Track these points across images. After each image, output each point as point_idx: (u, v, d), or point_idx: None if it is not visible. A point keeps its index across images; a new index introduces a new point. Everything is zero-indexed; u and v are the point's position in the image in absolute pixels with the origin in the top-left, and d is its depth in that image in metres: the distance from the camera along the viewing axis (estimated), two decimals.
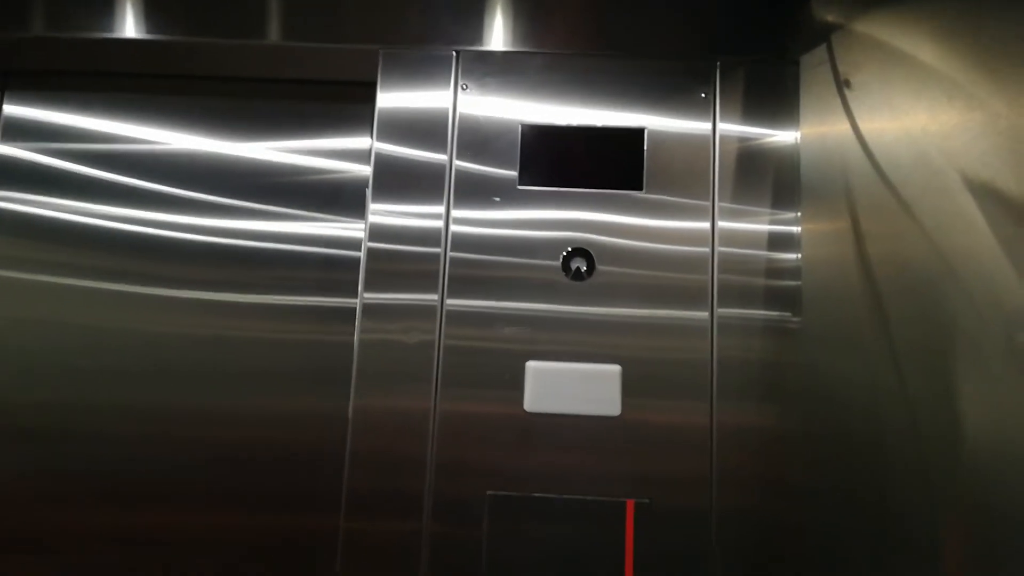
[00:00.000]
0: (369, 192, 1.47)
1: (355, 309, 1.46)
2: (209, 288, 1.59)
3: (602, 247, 1.44)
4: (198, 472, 1.53)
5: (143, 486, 1.53)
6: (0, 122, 1.64)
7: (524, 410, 1.38)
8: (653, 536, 1.35)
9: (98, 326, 1.58)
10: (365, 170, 1.58)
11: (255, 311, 1.58)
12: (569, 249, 1.43)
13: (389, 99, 1.49)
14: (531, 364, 1.39)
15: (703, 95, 1.47)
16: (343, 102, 1.63)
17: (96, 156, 1.64)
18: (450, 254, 1.44)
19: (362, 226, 1.52)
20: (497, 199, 1.45)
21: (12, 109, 1.65)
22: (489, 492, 1.37)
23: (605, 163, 1.47)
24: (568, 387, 1.39)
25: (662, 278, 1.42)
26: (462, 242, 1.44)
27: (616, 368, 1.39)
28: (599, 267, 1.43)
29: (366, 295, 1.43)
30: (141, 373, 1.56)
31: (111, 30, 1.52)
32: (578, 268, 1.42)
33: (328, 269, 1.59)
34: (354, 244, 1.59)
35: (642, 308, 1.42)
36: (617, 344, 1.40)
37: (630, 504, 1.35)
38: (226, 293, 1.58)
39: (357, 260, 1.51)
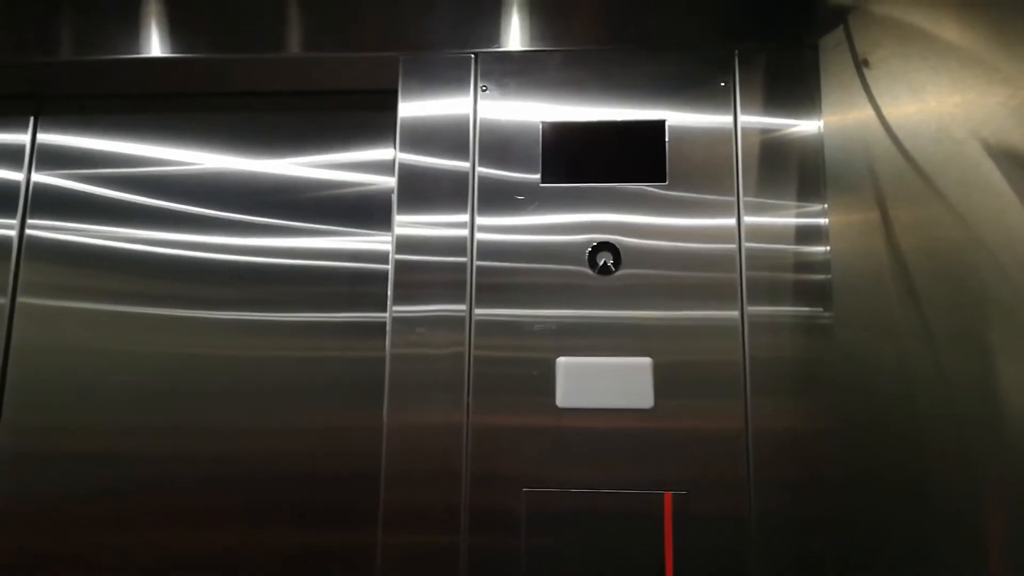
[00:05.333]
0: (395, 203, 1.48)
1: (384, 323, 1.47)
2: (240, 308, 1.60)
3: (627, 240, 1.44)
4: (233, 490, 1.55)
5: (178, 504, 1.55)
6: (35, 150, 1.68)
7: (557, 407, 1.39)
8: (691, 532, 1.34)
9: (131, 350, 1.60)
10: (390, 181, 1.60)
11: (286, 329, 1.59)
12: (595, 243, 1.44)
13: (411, 107, 1.51)
14: (562, 360, 1.40)
15: (722, 84, 1.47)
16: (366, 112, 1.65)
17: (127, 180, 1.67)
18: (476, 263, 1.45)
19: (389, 238, 1.53)
20: (521, 197, 1.46)
21: (46, 137, 1.69)
22: (525, 489, 1.37)
23: (627, 157, 1.47)
24: (600, 381, 1.39)
25: (689, 272, 1.42)
26: (488, 250, 1.45)
27: (647, 360, 1.39)
28: (625, 262, 1.43)
29: (395, 308, 1.44)
30: (173, 394, 1.58)
31: (136, 50, 1.56)
32: (605, 263, 1.43)
33: (357, 284, 1.60)
34: (382, 257, 1.59)
35: (671, 306, 1.41)
36: (647, 346, 1.40)
37: (668, 497, 1.35)
38: (258, 312, 1.60)
39: (385, 273, 1.52)
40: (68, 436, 1.58)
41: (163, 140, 1.68)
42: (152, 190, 1.66)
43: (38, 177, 1.68)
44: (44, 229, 1.66)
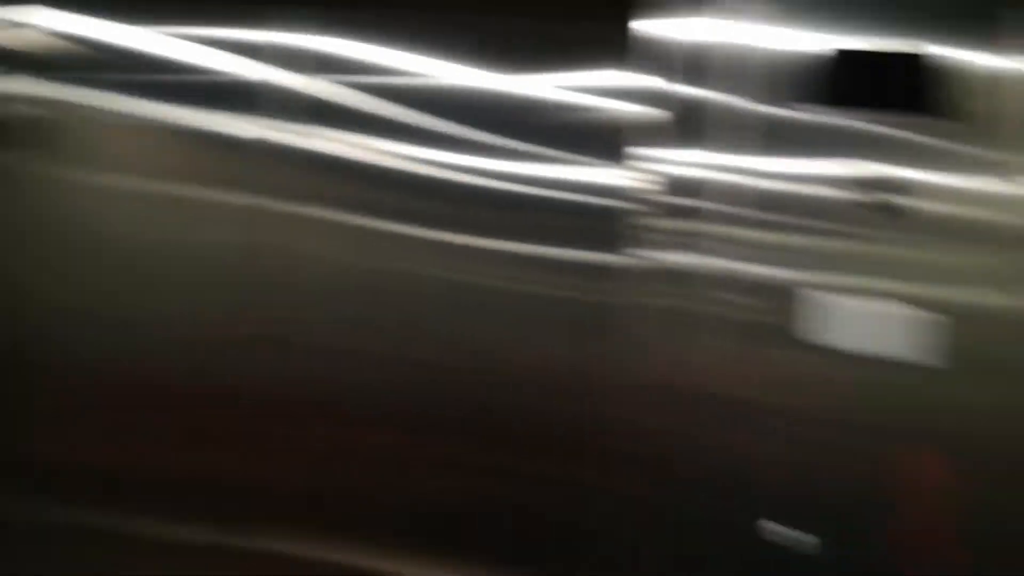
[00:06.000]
0: (640, 137, 1.42)
1: (618, 267, 1.45)
2: (466, 230, 1.59)
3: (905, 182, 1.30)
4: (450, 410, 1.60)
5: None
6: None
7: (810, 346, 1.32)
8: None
9: (353, 263, 1.65)
10: (635, 110, 1.49)
11: (512, 259, 1.57)
12: (867, 180, 1.31)
13: (656, 25, 1.42)
14: (814, 295, 1.32)
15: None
16: (608, 28, 1.50)
17: (371, 88, 1.65)
18: (723, 208, 1.37)
19: (629, 174, 1.47)
20: (779, 127, 1.36)
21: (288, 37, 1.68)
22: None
23: (895, 89, 1.32)
24: (857, 324, 1.31)
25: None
26: (736, 194, 1.37)
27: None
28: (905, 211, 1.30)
29: (633, 252, 1.41)
30: (387, 312, 1.63)
31: None
32: (883, 203, 1.31)
33: (589, 219, 1.53)
34: (620, 194, 1.50)
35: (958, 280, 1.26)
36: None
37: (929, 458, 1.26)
38: (485, 238, 1.59)
39: (622, 212, 1.47)
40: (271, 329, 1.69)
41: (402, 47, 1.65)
42: (396, 100, 1.64)
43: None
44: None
